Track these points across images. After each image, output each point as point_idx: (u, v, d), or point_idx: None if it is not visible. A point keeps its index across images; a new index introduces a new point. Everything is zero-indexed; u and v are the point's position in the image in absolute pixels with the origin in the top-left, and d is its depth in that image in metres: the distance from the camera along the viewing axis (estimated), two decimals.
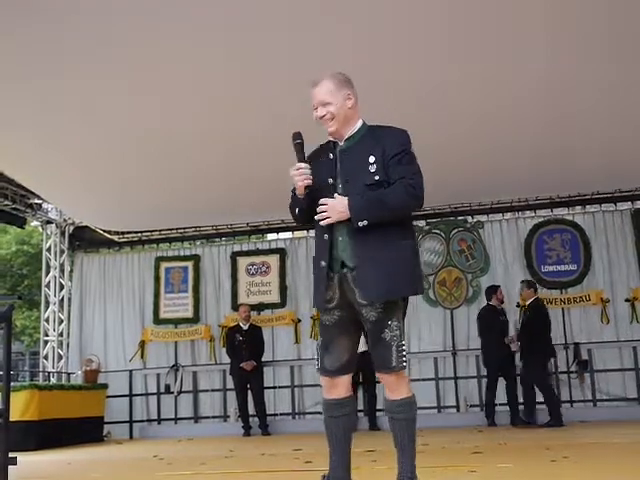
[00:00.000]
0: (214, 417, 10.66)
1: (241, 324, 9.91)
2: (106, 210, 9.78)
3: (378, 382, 9.60)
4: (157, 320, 11.02)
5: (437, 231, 10.54)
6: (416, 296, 10.32)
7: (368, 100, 6.17)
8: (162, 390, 10.70)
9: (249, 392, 9.72)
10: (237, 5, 4.96)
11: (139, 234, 11.42)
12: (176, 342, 10.93)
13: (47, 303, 11.36)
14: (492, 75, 5.95)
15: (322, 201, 3.04)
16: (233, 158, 7.03)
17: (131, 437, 10.46)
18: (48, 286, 11.36)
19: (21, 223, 11.12)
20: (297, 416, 10.34)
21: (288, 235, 11.45)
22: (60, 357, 11.18)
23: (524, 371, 8.73)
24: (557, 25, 5.22)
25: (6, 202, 10.01)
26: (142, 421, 10.72)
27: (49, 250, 11.42)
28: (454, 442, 6.76)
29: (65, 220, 11.40)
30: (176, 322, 11.01)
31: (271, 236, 11.83)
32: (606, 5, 4.99)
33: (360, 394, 9.51)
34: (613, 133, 7.22)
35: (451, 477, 4.26)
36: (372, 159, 3.05)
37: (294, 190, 3.15)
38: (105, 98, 6.15)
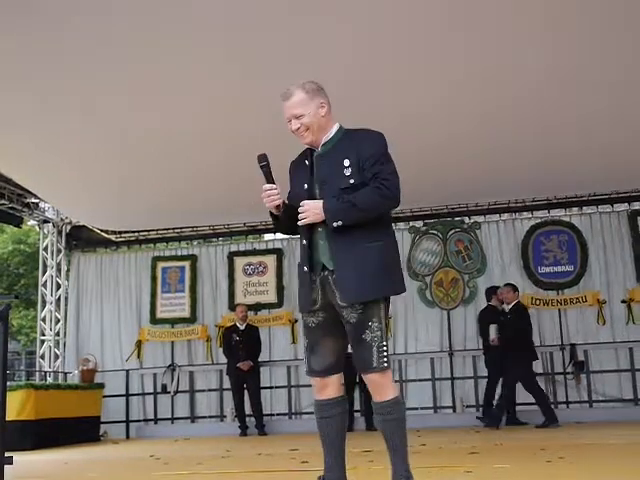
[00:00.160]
0: (211, 417, 10.66)
1: (238, 324, 9.92)
2: (103, 210, 9.77)
3: None
4: (154, 320, 11.02)
5: (434, 232, 10.57)
6: (413, 296, 10.37)
7: (368, 100, 6.22)
8: (159, 390, 10.70)
9: (246, 392, 9.73)
10: (237, 5, 4.96)
11: (136, 234, 11.41)
12: (173, 342, 10.94)
13: (44, 302, 11.34)
14: (492, 75, 5.95)
15: (301, 203, 3.08)
16: (232, 158, 7.03)
17: (128, 437, 10.45)
18: (45, 285, 11.34)
19: (18, 222, 11.11)
20: (294, 416, 10.35)
21: (285, 235, 11.45)
22: (57, 357, 11.16)
23: (507, 373, 8.72)
24: (557, 25, 5.23)
25: (3, 201, 10.01)
26: (139, 421, 10.71)
27: (46, 249, 11.41)
28: (450, 442, 6.77)
29: (62, 219, 11.39)
30: (173, 322, 11.01)
31: (268, 236, 11.83)
32: (606, 5, 5.00)
33: (357, 394, 9.51)
34: (611, 134, 7.23)
35: (447, 477, 4.27)
36: (347, 163, 3.08)
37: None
38: (104, 98, 6.15)
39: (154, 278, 11.17)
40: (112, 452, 8.13)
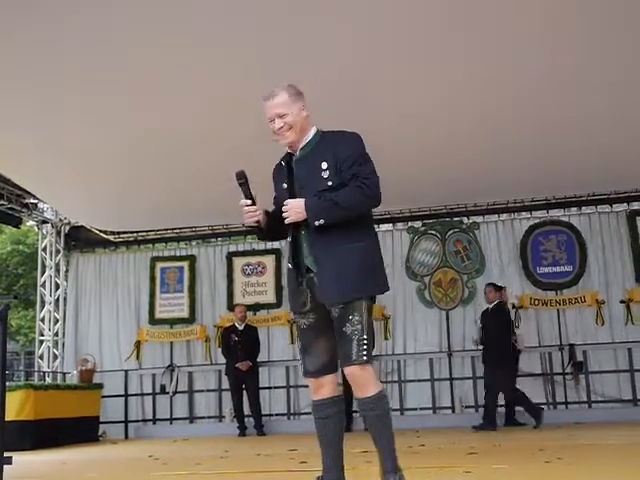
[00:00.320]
0: (209, 417, 10.66)
1: (237, 324, 9.92)
2: (102, 210, 9.77)
3: None
4: (152, 320, 11.01)
5: (433, 232, 10.57)
6: (412, 297, 10.36)
7: (368, 100, 6.22)
8: (157, 390, 10.69)
9: (244, 392, 9.73)
10: (237, 5, 4.96)
11: (135, 234, 11.40)
12: (171, 342, 10.93)
13: (42, 303, 11.33)
14: (492, 75, 5.96)
15: (284, 202, 3.11)
16: (232, 158, 6.99)
17: (126, 437, 10.44)
18: (44, 286, 11.34)
19: (17, 223, 11.10)
20: (292, 416, 10.35)
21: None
22: (55, 357, 11.16)
23: (488, 373, 8.77)
24: (557, 25, 5.24)
25: (2, 202, 10.00)
26: (137, 421, 10.71)
27: (45, 250, 11.40)
28: (449, 443, 6.77)
29: (61, 220, 11.39)
30: (172, 322, 11.00)
31: None
32: (606, 5, 5.01)
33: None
34: (610, 135, 7.24)
35: (446, 478, 4.27)
36: (325, 165, 3.11)
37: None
38: (104, 98, 6.14)
39: (153, 278, 11.17)
40: (111, 452, 8.12)
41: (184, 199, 8.89)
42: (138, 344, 10.95)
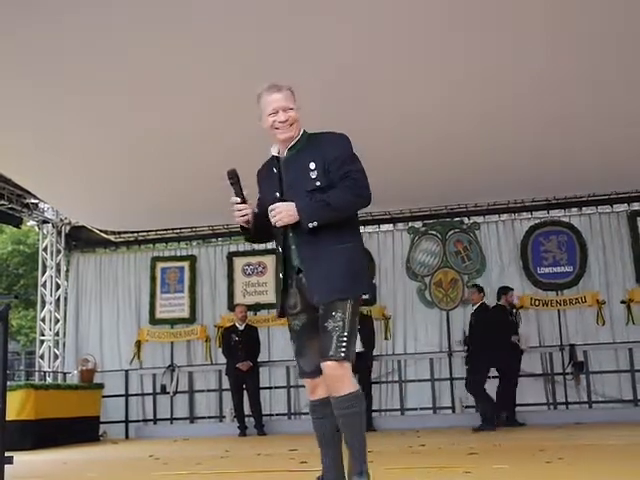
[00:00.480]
0: (210, 417, 10.66)
1: (237, 324, 9.92)
2: (103, 210, 9.77)
3: (373, 383, 9.63)
4: (153, 320, 11.02)
5: (433, 232, 10.57)
6: (412, 297, 10.35)
7: (368, 100, 6.22)
8: (158, 390, 10.69)
9: (245, 392, 9.73)
10: (237, 5, 4.96)
11: (135, 234, 11.41)
12: (172, 342, 10.93)
13: (43, 303, 11.34)
14: (492, 75, 5.96)
15: (271, 207, 3.08)
16: (232, 158, 6.97)
17: (127, 437, 10.45)
18: (44, 286, 11.34)
19: (17, 223, 11.11)
20: (293, 416, 10.35)
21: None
22: (56, 357, 11.17)
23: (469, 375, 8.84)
24: (557, 25, 5.23)
25: (2, 202, 10.01)
26: (138, 421, 10.71)
27: (45, 250, 11.41)
28: (449, 443, 6.77)
29: (61, 220, 11.40)
30: (172, 322, 11.01)
31: None
32: (606, 5, 5.01)
33: None
34: (610, 135, 7.24)
35: (447, 478, 4.26)
36: (312, 166, 3.10)
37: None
38: (104, 98, 6.14)
39: (153, 278, 11.17)
40: (111, 452, 8.13)
41: (184, 199, 8.89)
42: (139, 344, 10.95)
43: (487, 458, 5.31)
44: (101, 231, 11.15)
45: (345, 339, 3.02)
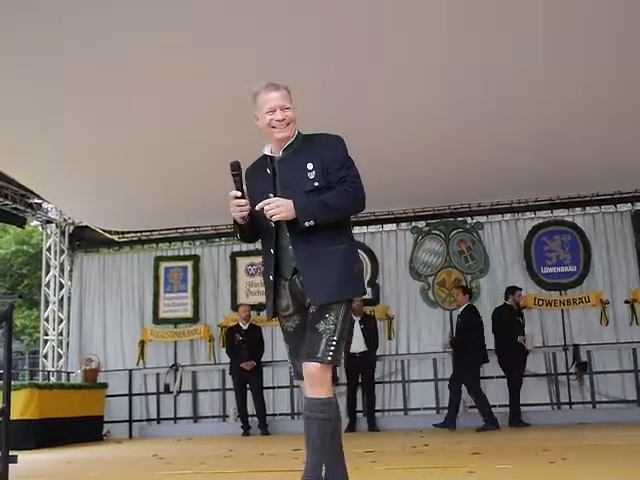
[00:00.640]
0: (213, 417, 10.67)
1: (241, 324, 9.92)
2: (106, 210, 9.79)
3: (377, 383, 9.61)
4: (156, 320, 11.03)
5: (437, 232, 10.55)
6: (416, 297, 10.34)
7: (368, 100, 6.21)
8: (161, 390, 10.71)
9: (248, 392, 9.74)
10: (237, 5, 4.96)
11: (139, 234, 11.43)
12: (175, 342, 10.95)
13: (47, 302, 11.36)
14: (492, 75, 5.95)
15: (266, 201, 3.01)
16: (233, 158, 7.03)
17: (130, 436, 10.48)
18: (48, 286, 11.37)
19: (21, 223, 11.15)
20: (296, 416, 10.32)
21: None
22: (60, 356, 11.19)
23: (453, 375, 8.87)
24: (557, 25, 5.22)
25: (6, 202, 10.03)
26: (141, 420, 10.73)
27: (49, 250, 11.43)
28: (453, 443, 6.77)
29: (65, 220, 11.41)
30: (175, 322, 11.02)
31: None
32: (606, 5, 4.99)
33: (359, 395, 9.50)
34: (613, 134, 7.22)
35: (450, 478, 4.27)
36: (310, 166, 3.08)
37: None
38: (105, 98, 6.15)
39: (157, 278, 11.18)
40: (115, 451, 8.14)
41: (186, 199, 8.89)
42: (142, 344, 10.97)
43: (491, 458, 5.31)
44: (104, 231, 11.17)
45: (334, 343, 3.00)
